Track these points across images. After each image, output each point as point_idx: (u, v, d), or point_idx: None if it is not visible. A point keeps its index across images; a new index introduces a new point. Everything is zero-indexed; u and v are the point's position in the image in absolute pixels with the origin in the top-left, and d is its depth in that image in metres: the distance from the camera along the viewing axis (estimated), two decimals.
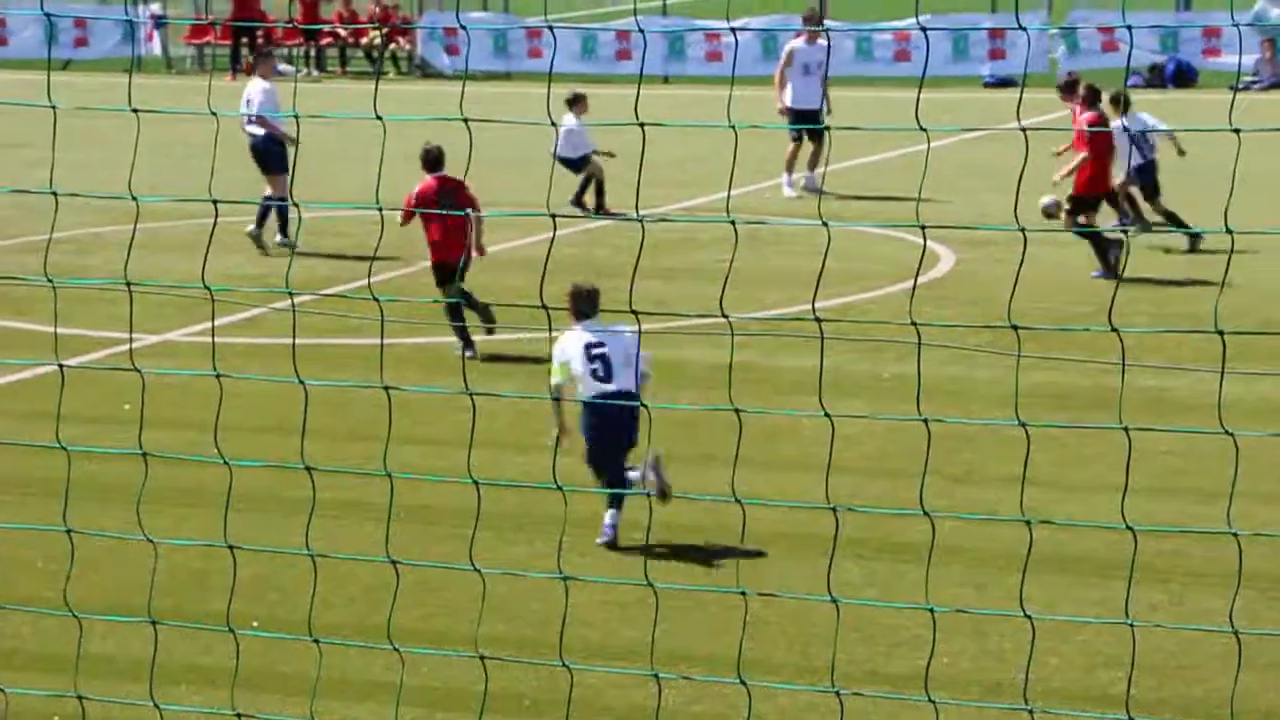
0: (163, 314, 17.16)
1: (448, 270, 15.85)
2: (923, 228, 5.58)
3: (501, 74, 43.59)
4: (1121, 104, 20.26)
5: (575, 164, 23.74)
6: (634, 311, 5.46)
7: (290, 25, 43.98)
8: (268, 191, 21.29)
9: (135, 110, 5.85)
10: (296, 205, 5.83)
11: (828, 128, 24.26)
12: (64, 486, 7.09)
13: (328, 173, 26.69)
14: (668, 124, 7.64)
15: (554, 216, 5.14)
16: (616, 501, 11.04)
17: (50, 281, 6.35)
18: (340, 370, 15.03)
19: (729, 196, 23.87)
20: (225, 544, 6.00)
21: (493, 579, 10.04)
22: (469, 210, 15.90)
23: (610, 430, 11.19)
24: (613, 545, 10.94)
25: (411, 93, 39.70)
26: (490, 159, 28.68)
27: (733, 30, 31.62)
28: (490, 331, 16.12)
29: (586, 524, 11.12)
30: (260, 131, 21.64)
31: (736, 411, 5.86)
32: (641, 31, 39.69)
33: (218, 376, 6.32)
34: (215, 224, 6.95)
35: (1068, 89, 21.26)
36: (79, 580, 8.70)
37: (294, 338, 14.78)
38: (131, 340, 15.92)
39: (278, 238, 21.56)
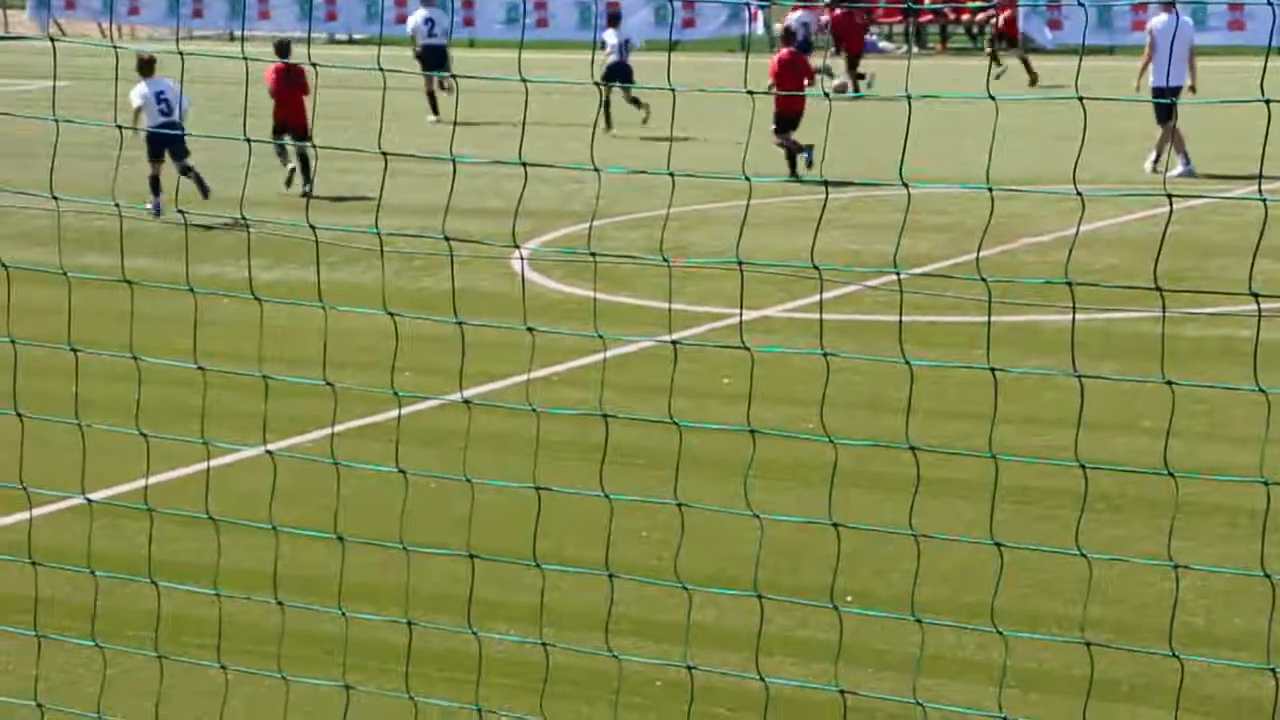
0: (762, 290, 17.47)
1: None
2: None
3: (1104, 48, 42.87)
4: None
5: None
6: (1254, 294, 5.28)
7: (890, 5, 44.18)
8: None
9: (751, 92, 5.95)
10: (906, 186, 5.75)
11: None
12: (673, 459, 7.27)
13: (927, 151, 26.73)
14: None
15: (1170, 196, 5.02)
16: None
17: (666, 261, 6.52)
18: (931, 349, 15.00)
19: None
20: (830, 521, 6.07)
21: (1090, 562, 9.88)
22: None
23: None
24: None
25: (1012, 69, 39.36)
26: (1090, 135, 28.24)
27: None
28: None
29: (1192, 510, 10.87)
30: None
31: None
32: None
33: (825, 355, 6.40)
34: (825, 203, 7.03)
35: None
36: (683, 550, 8.92)
37: (900, 316, 14.85)
38: (742, 316, 16.26)
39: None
